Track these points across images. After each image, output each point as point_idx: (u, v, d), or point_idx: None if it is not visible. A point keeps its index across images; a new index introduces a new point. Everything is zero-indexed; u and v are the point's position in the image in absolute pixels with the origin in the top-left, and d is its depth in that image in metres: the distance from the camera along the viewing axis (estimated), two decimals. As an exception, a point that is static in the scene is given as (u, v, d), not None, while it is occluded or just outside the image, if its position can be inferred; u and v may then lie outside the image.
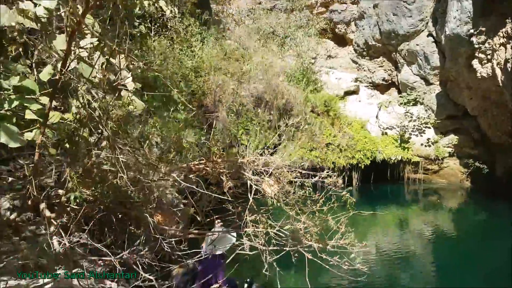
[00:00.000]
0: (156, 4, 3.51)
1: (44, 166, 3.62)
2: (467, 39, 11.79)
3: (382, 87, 16.87)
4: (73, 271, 3.29)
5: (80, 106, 2.88)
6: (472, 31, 11.60)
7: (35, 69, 3.54)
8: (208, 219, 3.83)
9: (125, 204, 3.16)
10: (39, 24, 3.28)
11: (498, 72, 10.92)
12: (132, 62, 3.73)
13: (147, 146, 3.10)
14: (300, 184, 3.62)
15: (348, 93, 16.33)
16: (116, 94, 2.89)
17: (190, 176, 3.30)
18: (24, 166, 3.47)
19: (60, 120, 3.11)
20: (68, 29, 2.97)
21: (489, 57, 11.31)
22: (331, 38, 17.96)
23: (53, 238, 2.83)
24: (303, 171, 3.50)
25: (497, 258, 8.56)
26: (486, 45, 11.28)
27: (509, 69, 10.21)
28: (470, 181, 14.29)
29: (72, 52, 3.21)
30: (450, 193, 14.24)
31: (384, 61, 16.71)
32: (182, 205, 4.13)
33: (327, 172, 3.35)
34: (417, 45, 14.81)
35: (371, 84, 16.89)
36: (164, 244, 3.16)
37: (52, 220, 2.94)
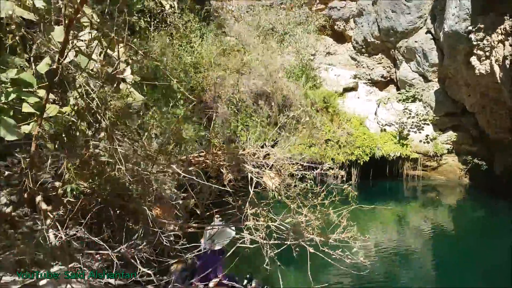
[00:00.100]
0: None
1: (41, 161, 3.56)
2: (465, 36, 11.76)
3: (380, 84, 16.84)
4: (70, 265, 3.24)
5: (77, 96, 2.81)
6: (470, 28, 11.56)
7: (33, 63, 3.47)
8: (208, 213, 3.77)
9: (123, 197, 3.10)
10: (36, 16, 3.22)
11: (497, 69, 10.90)
12: (131, 51, 3.67)
13: (146, 138, 3.04)
14: (301, 176, 3.57)
15: (347, 89, 16.28)
16: (115, 85, 2.83)
17: (190, 168, 3.24)
18: (21, 160, 3.41)
19: (58, 114, 3.05)
20: (66, 18, 2.91)
21: (487, 54, 11.29)
22: (330, 35, 17.89)
23: (49, 232, 2.77)
24: (305, 164, 3.45)
25: (495, 255, 8.57)
26: (485, 42, 11.24)
27: (507, 66, 10.19)
28: (468, 177, 14.30)
29: (71, 43, 3.15)
30: (448, 190, 14.25)
31: (382, 58, 16.67)
32: (181, 200, 4.06)
33: (329, 164, 3.29)
34: (415, 42, 14.78)
35: (369, 81, 16.86)
36: (163, 238, 3.11)
37: (49, 213, 2.88)
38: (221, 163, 3.22)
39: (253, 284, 4.45)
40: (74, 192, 2.64)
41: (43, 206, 2.94)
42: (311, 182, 3.53)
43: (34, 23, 3.62)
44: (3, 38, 3.31)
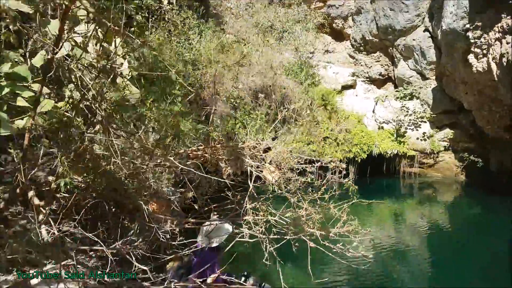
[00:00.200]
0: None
1: (35, 157, 3.49)
2: (463, 34, 11.75)
3: (378, 82, 16.83)
4: (63, 263, 3.16)
5: (73, 88, 2.74)
6: (468, 26, 11.55)
7: (28, 59, 3.40)
8: (206, 208, 3.70)
9: (118, 192, 3.03)
10: (32, 9, 3.15)
11: (494, 66, 10.89)
12: (128, 48, 3.60)
13: (142, 131, 2.97)
14: (301, 171, 3.52)
15: (345, 87, 16.26)
16: (111, 76, 2.76)
17: (188, 162, 3.17)
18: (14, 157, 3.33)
19: (53, 109, 2.98)
20: (61, 8, 2.84)
21: (484, 52, 11.28)
22: (329, 33, 17.85)
23: (41, 227, 2.70)
24: (305, 157, 3.40)
25: (491, 251, 8.58)
26: (482, 40, 11.23)
27: (505, 63, 10.19)
28: (465, 175, 14.33)
29: (66, 33, 3.07)
30: (445, 187, 14.27)
31: (381, 56, 16.65)
32: (179, 194, 3.99)
33: (330, 158, 3.24)
34: (413, 40, 14.77)
35: (368, 79, 16.85)
36: (160, 233, 3.04)
37: (41, 208, 2.80)
38: (220, 157, 3.16)
39: (251, 281, 4.39)
40: (68, 187, 2.57)
41: (36, 201, 2.86)
42: (311, 176, 3.47)
43: (30, 18, 3.55)
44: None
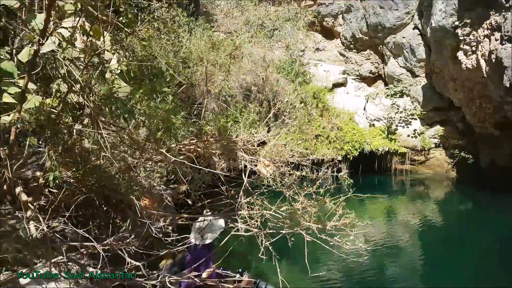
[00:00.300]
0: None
1: (21, 151, 3.38)
2: (452, 31, 11.85)
3: (369, 80, 16.91)
4: (53, 260, 3.07)
5: (60, 81, 2.65)
6: (457, 23, 11.66)
7: (15, 56, 3.29)
8: (200, 204, 3.63)
9: (109, 187, 2.94)
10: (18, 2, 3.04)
11: (483, 63, 11.02)
12: (117, 45, 3.52)
13: (133, 125, 2.89)
14: (296, 165, 3.48)
15: (336, 85, 16.30)
16: (99, 69, 2.67)
17: (181, 157, 3.10)
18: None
19: (40, 106, 2.88)
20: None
21: (473, 48, 11.40)
22: (319, 31, 17.87)
23: (29, 223, 2.60)
24: (300, 149, 3.36)
25: (483, 247, 8.66)
26: (471, 37, 11.35)
27: (493, 60, 10.30)
28: (455, 171, 14.47)
29: (53, 24, 2.98)
30: (436, 183, 14.39)
31: (371, 54, 16.73)
32: (172, 188, 3.91)
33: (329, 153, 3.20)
34: (403, 37, 14.86)
35: (358, 77, 16.91)
36: (153, 229, 2.97)
37: (29, 204, 2.70)
38: (213, 151, 3.09)
39: (246, 278, 4.34)
40: (57, 181, 2.48)
41: (24, 197, 2.76)
42: (306, 170, 3.43)
43: (16, 15, 3.45)
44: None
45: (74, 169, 2.67)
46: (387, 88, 15.79)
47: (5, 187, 3.11)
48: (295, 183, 3.34)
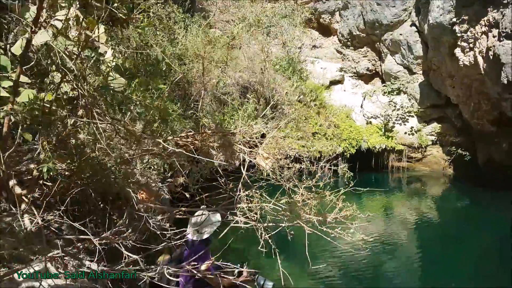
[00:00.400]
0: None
1: (18, 150, 3.30)
2: (449, 28, 11.85)
3: (366, 77, 16.89)
4: (49, 254, 3.00)
5: (54, 72, 2.58)
6: (454, 20, 11.66)
7: (9, 51, 3.21)
8: (198, 198, 3.58)
9: (105, 180, 2.88)
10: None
11: (480, 60, 11.02)
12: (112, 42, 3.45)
13: (129, 117, 2.83)
14: (295, 158, 3.43)
15: (333, 82, 16.27)
16: (94, 57, 2.60)
17: (177, 150, 3.04)
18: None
19: (33, 100, 2.81)
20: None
21: (471, 45, 11.40)
22: (316, 28, 17.83)
23: (24, 217, 2.53)
24: (300, 142, 3.31)
25: (480, 244, 8.68)
26: (469, 33, 11.36)
27: (491, 57, 10.30)
28: (452, 168, 14.50)
29: (45, 14, 2.90)
30: (433, 180, 14.42)
31: (368, 51, 16.71)
32: (170, 180, 3.85)
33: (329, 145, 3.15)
34: (400, 34, 14.85)
35: (355, 74, 16.89)
36: (151, 222, 2.91)
37: (23, 197, 2.64)
38: (211, 144, 3.03)
39: (244, 274, 4.29)
40: (51, 173, 2.41)
41: (17, 190, 2.69)
42: (306, 162, 3.38)
43: (11, 10, 3.38)
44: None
45: (68, 161, 2.61)
46: (384, 86, 15.78)
47: (-2, 180, 3.04)
48: (294, 176, 3.29)
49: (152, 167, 4.43)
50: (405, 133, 14.70)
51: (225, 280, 4.12)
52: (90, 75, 2.58)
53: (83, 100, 2.51)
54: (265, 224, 3.01)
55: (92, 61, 2.81)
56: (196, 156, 2.74)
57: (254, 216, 2.95)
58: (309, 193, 3.08)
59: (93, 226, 3.07)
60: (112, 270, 2.69)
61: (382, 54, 16.01)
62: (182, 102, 8.94)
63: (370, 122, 15.03)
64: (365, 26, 15.96)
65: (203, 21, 13.82)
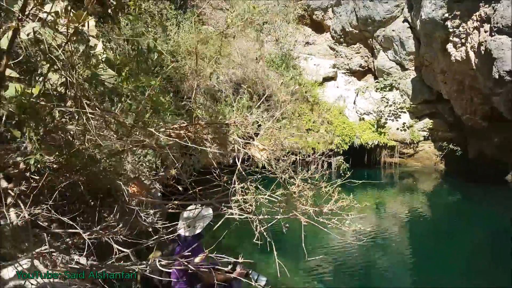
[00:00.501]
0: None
1: (8, 153, 3.19)
2: (442, 24, 11.89)
3: (359, 74, 16.92)
4: (37, 250, 2.91)
5: (42, 58, 2.47)
6: (447, 15, 11.70)
7: None
8: (191, 191, 3.50)
9: (95, 173, 2.79)
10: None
11: (472, 55, 11.08)
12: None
13: (119, 109, 2.74)
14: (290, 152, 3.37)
15: (326, 79, 16.26)
16: (81, 42, 2.51)
17: (170, 142, 2.96)
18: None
19: (21, 95, 2.70)
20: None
21: (463, 41, 11.46)
22: (309, 25, 17.79)
23: (9, 211, 2.44)
24: (297, 133, 3.25)
25: (470, 238, 8.73)
26: (461, 29, 11.41)
27: (483, 52, 10.36)
28: (444, 163, 14.60)
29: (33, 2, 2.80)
30: (424, 176, 14.50)
31: (360, 47, 16.73)
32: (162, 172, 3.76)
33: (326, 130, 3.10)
34: (393, 30, 14.88)
35: (348, 71, 16.90)
36: (142, 216, 2.83)
37: (9, 191, 2.54)
38: (204, 136, 2.96)
39: (238, 270, 4.23)
40: (39, 165, 2.32)
41: (3, 184, 2.59)
42: (301, 155, 3.33)
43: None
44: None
45: (57, 153, 2.52)
46: (376, 82, 15.82)
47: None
48: (290, 168, 3.24)
49: (144, 164, 4.34)
50: (397, 129, 14.76)
51: (219, 276, 4.05)
52: (79, 65, 2.49)
53: (72, 89, 2.42)
54: (261, 217, 2.95)
55: (81, 51, 2.72)
56: (189, 144, 2.66)
57: (249, 208, 2.89)
58: (305, 184, 3.03)
59: (83, 220, 2.98)
60: (102, 265, 2.61)
61: (375, 50, 16.04)
62: (175, 99, 8.84)
63: (363, 119, 15.06)
64: (357, 22, 15.96)
65: (196, 18, 13.71)
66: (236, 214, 2.89)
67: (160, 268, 2.80)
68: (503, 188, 11.95)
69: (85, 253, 2.48)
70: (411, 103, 14.68)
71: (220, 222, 3.21)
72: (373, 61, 16.45)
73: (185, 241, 4.08)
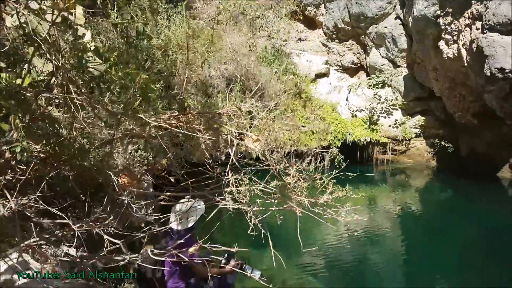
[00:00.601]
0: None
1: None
2: (434, 21, 11.93)
3: (351, 70, 16.93)
4: (26, 242, 2.82)
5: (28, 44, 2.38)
6: (439, 12, 11.74)
7: None
8: (184, 183, 3.43)
9: (84, 163, 2.70)
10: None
11: (464, 52, 11.15)
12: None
13: (108, 97, 2.65)
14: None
15: (319, 75, 16.24)
16: (70, 33, 2.42)
17: (160, 133, 2.89)
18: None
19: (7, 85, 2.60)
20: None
21: (455, 38, 11.51)
22: (301, 21, 17.75)
23: (-5, 201, 2.34)
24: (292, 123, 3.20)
25: (463, 233, 8.80)
26: (452, 26, 11.46)
27: (474, 49, 10.43)
28: (436, 160, 14.70)
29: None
30: (416, 173, 14.59)
31: (353, 44, 16.73)
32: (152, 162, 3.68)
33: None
34: (385, 27, 14.90)
35: (340, 68, 16.90)
36: (133, 207, 2.75)
37: (-5, 181, 2.44)
38: (197, 126, 2.89)
39: (232, 263, 4.18)
40: (26, 154, 2.23)
41: (-12, 174, 2.49)
42: (296, 143, 3.29)
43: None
44: None
45: (44, 142, 2.43)
46: (369, 79, 15.85)
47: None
48: (284, 159, 3.19)
49: (136, 159, 4.25)
50: (390, 126, 14.81)
51: (213, 270, 4.00)
52: (65, 49, 2.39)
53: (59, 74, 2.33)
54: (255, 208, 2.90)
55: (68, 37, 2.62)
56: (181, 131, 2.59)
57: (243, 199, 2.84)
58: (300, 174, 2.99)
59: (72, 212, 2.90)
60: (92, 257, 2.53)
61: (367, 47, 16.06)
62: (165, 90, 8.71)
63: (355, 115, 15.08)
64: (350, 19, 15.96)
65: (187, 12, 13.55)
66: (229, 205, 2.83)
67: (153, 257, 2.73)
68: (495, 184, 12.08)
69: (74, 243, 2.39)
70: (403, 100, 14.73)
71: (213, 213, 3.15)
72: (365, 58, 16.47)
73: (177, 234, 4.01)
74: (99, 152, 2.74)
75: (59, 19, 2.78)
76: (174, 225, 4.01)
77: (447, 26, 11.51)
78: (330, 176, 3.21)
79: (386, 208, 10.96)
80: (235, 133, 2.77)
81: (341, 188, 3.05)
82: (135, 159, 3.39)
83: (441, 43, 11.92)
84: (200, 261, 3.39)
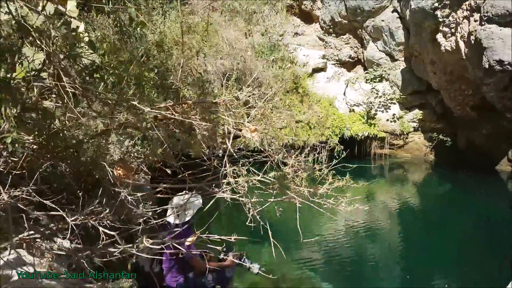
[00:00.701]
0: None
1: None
2: (431, 13, 11.86)
3: (348, 65, 16.85)
4: (20, 236, 2.75)
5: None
6: (436, 4, 11.66)
7: None
8: (180, 175, 3.38)
9: (78, 154, 2.64)
10: None
11: (462, 45, 11.09)
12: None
13: (102, 87, 2.58)
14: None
15: (316, 70, 16.16)
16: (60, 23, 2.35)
17: (156, 124, 2.83)
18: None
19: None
20: None
21: (453, 30, 11.45)
22: (298, 15, 17.65)
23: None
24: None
25: (462, 227, 8.80)
26: (450, 18, 11.39)
27: (472, 42, 10.38)
28: (434, 154, 14.69)
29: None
30: (414, 167, 14.59)
31: (350, 38, 16.64)
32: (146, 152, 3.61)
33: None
34: (382, 21, 14.82)
35: (337, 62, 16.82)
36: (129, 199, 2.70)
37: (-14, 173, 2.38)
38: (193, 117, 2.83)
39: (230, 256, 4.14)
40: (17, 145, 2.16)
41: (-21, 166, 2.43)
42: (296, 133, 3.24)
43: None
44: None
45: (36, 133, 2.36)
46: (366, 73, 15.78)
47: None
48: (283, 149, 3.14)
49: (132, 155, 4.18)
50: (387, 120, 14.77)
51: (212, 263, 3.96)
52: (57, 38, 2.32)
53: (51, 64, 2.26)
54: (254, 199, 2.85)
55: (59, 26, 2.55)
56: (176, 117, 2.53)
57: (241, 190, 2.79)
58: (299, 164, 2.94)
59: (67, 204, 2.84)
60: (87, 249, 2.47)
61: (364, 41, 15.98)
62: (161, 83, 8.60)
63: (353, 110, 15.03)
64: (347, 12, 15.86)
65: (182, 7, 13.42)
66: (227, 197, 2.78)
67: (150, 246, 2.68)
68: (493, 178, 12.09)
69: (68, 236, 2.33)
70: (401, 94, 14.68)
71: (210, 203, 3.09)
72: (362, 52, 16.40)
73: (174, 228, 3.97)
74: (93, 143, 2.68)
75: (52, 9, 2.71)
76: (171, 218, 3.96)
77: (444, 19, 11.45)
78: (329, 168, 3.16)
79: (385, 202, 10.95)
80: (232, 122, 2.71)
81: (341, 178, 3.00)
82: (132, 155, 3.33)
83: (439, 36, 11.86)
84: (198, 253, 3.34)
